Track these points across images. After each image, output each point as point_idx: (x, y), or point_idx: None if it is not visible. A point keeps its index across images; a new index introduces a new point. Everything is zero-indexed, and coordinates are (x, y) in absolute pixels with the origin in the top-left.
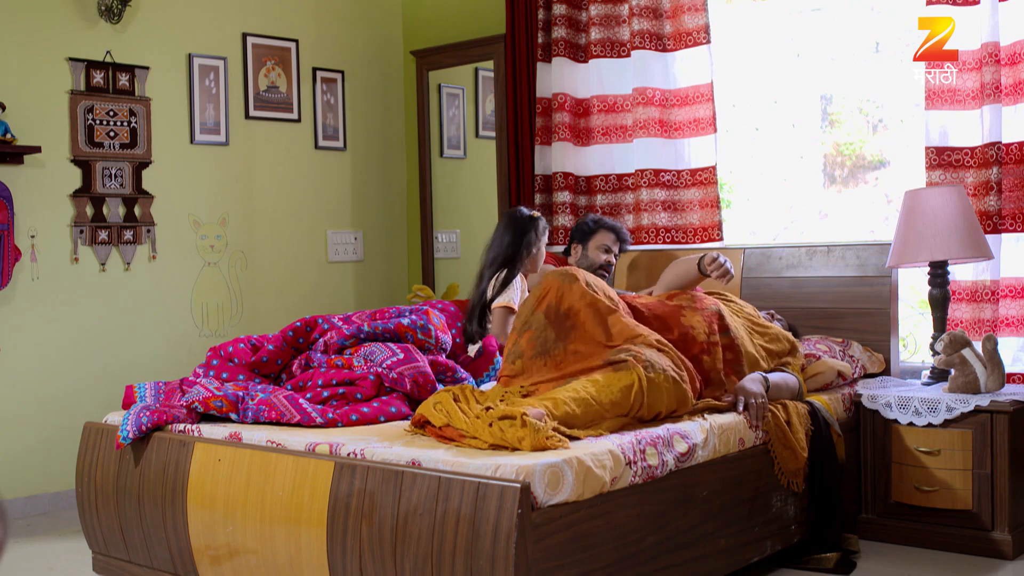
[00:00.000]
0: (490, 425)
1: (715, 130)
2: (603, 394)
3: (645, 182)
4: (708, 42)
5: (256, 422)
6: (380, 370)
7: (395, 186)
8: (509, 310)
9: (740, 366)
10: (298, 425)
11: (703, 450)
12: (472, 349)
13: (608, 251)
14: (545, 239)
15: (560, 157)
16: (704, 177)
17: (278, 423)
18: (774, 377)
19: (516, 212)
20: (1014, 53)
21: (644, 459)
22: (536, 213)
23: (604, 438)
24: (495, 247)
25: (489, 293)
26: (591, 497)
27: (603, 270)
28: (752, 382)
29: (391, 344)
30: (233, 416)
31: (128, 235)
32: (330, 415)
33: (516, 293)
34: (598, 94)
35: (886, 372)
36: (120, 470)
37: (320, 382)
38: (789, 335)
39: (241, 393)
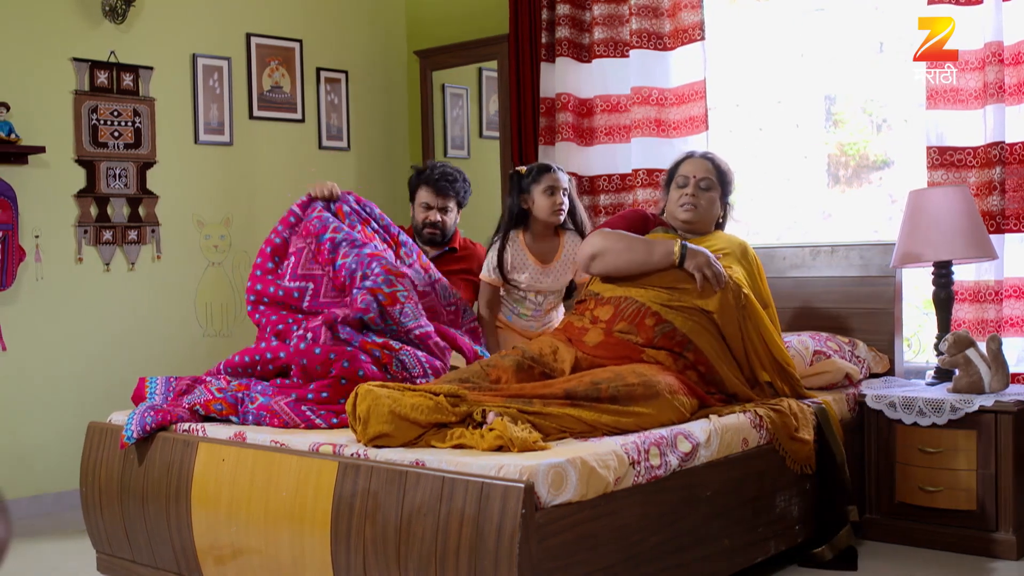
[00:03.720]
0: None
1: (707, 128)
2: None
3: (639, 182)
4: (702, 39)
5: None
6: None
7: (399, 186)
8: (486, 284)
9: (715, 375)
10: None
11: (706, 450)
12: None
13: (428, 208)
14: (536, 188)
15: (564, 157)
16: None
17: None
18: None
19: None
20: (1018, 52)
21: (647, 459)
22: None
23: (608, 438)
24: None
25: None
26: (595, 497)
27: (429, 229)
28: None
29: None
30: (233, 419)
31: (132, 235)
32: (335, 420)
33: (490, 260)
34: (601, 94)
35: (890, 372)
36: (124, 470)
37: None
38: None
39: (241, 395)
